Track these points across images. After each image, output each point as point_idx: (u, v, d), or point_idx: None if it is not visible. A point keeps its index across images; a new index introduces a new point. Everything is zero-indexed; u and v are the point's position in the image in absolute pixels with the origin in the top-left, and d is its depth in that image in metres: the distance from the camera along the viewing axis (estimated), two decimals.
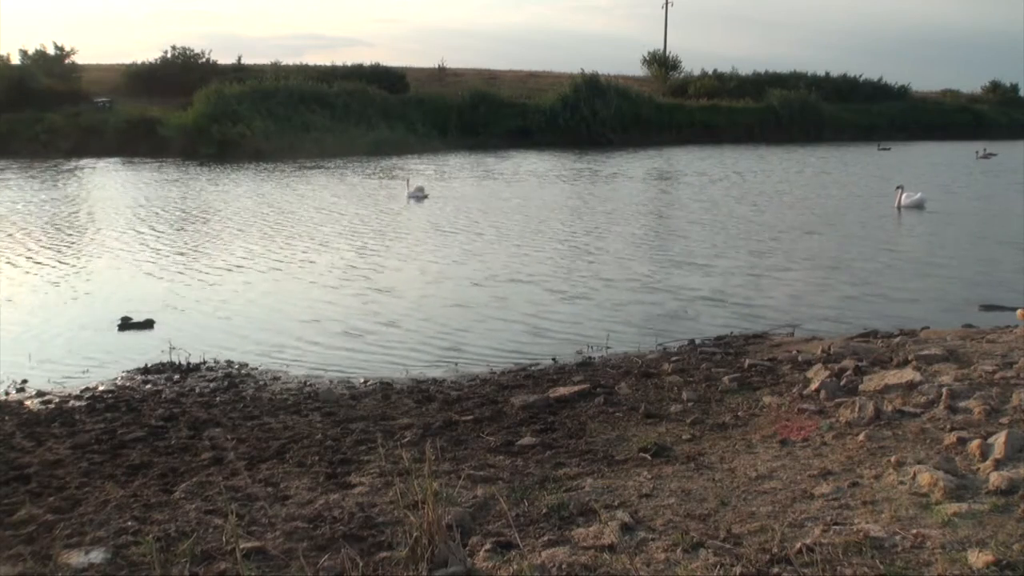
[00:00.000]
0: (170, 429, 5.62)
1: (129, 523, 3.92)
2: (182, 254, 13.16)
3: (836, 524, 3.44)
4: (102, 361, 7.67)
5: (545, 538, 3.50)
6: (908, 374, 5.48)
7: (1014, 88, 61.85)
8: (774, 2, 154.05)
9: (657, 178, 26.12)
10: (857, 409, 4.94)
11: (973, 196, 20.96)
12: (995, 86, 61.71)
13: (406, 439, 5.22)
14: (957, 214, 17.25)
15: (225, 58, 47.54)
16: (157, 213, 17.92)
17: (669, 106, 47.36)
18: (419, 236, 14.80)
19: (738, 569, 3.06)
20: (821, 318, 8.99)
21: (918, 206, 17.52)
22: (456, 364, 7.52)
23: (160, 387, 6.86)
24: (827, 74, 55.93)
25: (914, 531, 3.29)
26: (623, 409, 5.71)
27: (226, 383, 6.92)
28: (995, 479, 3.69)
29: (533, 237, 14.56)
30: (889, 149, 39.67)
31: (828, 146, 42.24)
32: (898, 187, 18.18)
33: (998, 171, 28.51)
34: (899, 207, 17.44)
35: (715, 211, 18.00)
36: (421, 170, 28.05)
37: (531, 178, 25.72)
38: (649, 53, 59.31)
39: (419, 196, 19.97)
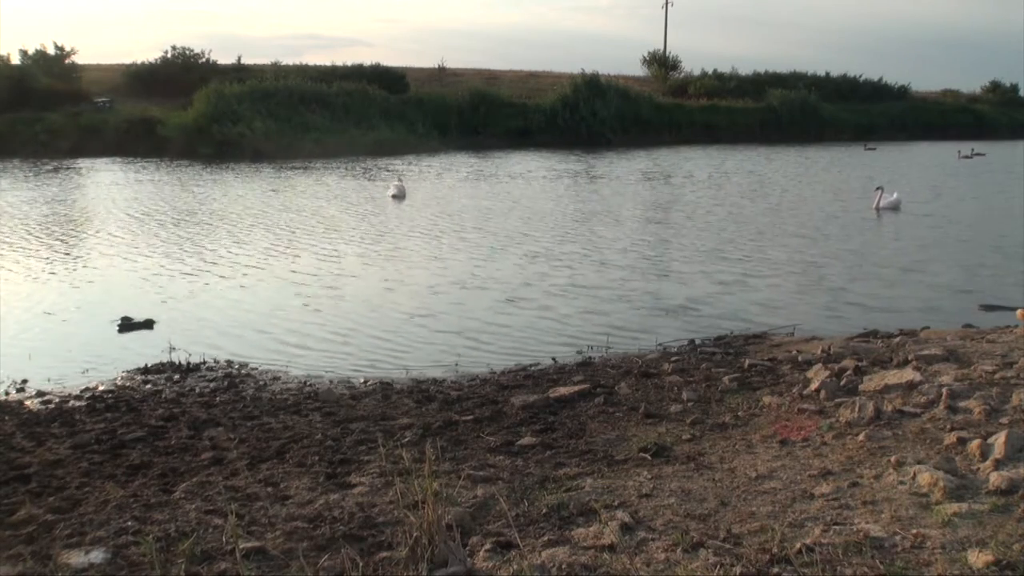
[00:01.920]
0: (170, 429, 5.62)
1: (129, 523, 3.92)
2: (182, 254, 13.15)
3: (836, 524, 3.44)
4: (102, 361, 7.66)
5: (545, 538, 3.50)
6: (908, 374, 5.48)
7: (1014, 88, 61.84)
8: (774, 2, 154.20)
9: (645, 179, 26.08)
10: (857, 409, 4.94)
11: (957, 197, 20.89)
12: (995, 86, 61.69)
13: (406, 439, 5.22)
14: (938, 215, 17.20)
15: (225, 58, 47.59)
16: (157, 213, 17.92)
17: (669, 106, 47.36)
18: (413, 237, 14.80)
19: (738, 569, 3.06)
20: (821, 318, 8.99)
21: (894, 208, 17.43)
22: (456, 364, 7.52)
23: (160, 387, 6.86)
24: (827, 74, 56.00)
25: (914, 531, 3.29)
26: (623, 409, 5.71)
27: (226, 383, 6.92)
28: (995, 479, 3.69)
29: (529, 237, 14.56)
30: (875, 149, 39.67)
31: (818, 146, 42.07)
32: (878, 188, 18.00)
33: (983, 171, 28.45)
34: (878, 208, 17.33)
35: (710, 212, 18.01)
36: (413, 170, 28.05)
37: (525, 179, 25.72)
38: (649, 53, 59.44)
39: (398, 196, 20.21)
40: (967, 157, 34.18)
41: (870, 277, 11.15)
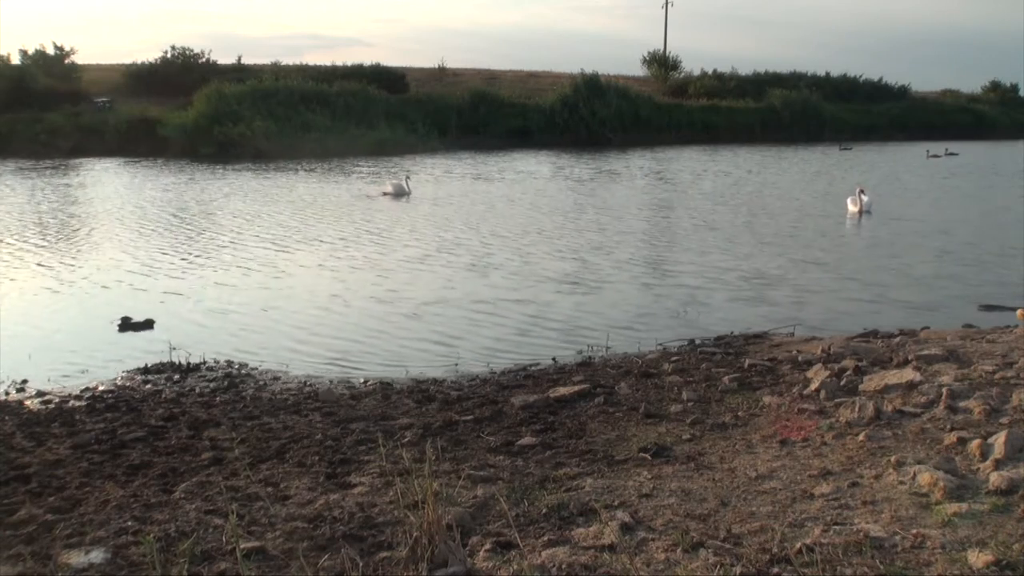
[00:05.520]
0: (170, 429, 5.62)
1: (129, 523, 3.92)
2: (182, 254, 13.16)
3: (836, 524, 3.44)
4: (102, 361, 7.67)
5: (545, 538, 3.50)
6: (908, 374, 5.48)
7: (1014, 88, 61.79)
8: (774, 2, 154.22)
9: (646, 178, 26.10)
10: (857, 409, 4.94)
11: (932, 198, 20.83)
12: (995, 86, 61.65)
13: (406, 439, 5.22)
14: (911, 217, 17.13)
15: (225, 58, 47.53)
16: (157, 213, 17.92)
17: (668, 106, 47.33)
18: (414, 236, 14.80)
19: (738, 569, 3.06)
20: (821, 318, 8.99)
21: (866, 210, 17.25)
22: (456, 364, 7.51)
23: (160, 387, 6.86)
24: (827, 74, 55.94)
25: (914, 531, 3.30)
26: (623, 409, 5.71)
27: (226, 383, 6.92)
28: (995, 479, 3.69)
29: (528, 236, 14.56)
30: (851, 149, 39.64)
31: (804, 147, 41.89)
32: (860, 190, 17.71)
33: (957, 171, 28.27)
34: (860, 211, 17.15)
35: (709, 213, 18.01)
36: (413, 170, 28.05)
37: (524, 179, 25.73)
38: (649, 53, 59.30)
39: (395, 193, 20.44)
40: (936, 156, 34.00)
41: (882, 275, 11.15)
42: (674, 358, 7.17)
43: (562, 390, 6.20)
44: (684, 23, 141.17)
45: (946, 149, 36.14)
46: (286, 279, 11.35)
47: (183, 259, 12.74)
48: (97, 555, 3.58)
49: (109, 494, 4.38)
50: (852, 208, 17.25)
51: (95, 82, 42.63)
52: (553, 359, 7.55)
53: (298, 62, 48.85)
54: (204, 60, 45.76)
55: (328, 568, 3.36)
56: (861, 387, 5.50)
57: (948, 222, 16.40)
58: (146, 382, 7.02)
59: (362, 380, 7.00)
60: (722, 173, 27.41)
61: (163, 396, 6.56)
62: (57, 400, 6.48)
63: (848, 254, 12.99)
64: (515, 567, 3.22)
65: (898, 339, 7.13)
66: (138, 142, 34.82)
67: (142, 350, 7.98)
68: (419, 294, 10.36)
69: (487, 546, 3.44)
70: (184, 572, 3.34)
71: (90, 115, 37.51)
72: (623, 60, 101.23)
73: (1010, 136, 51.71)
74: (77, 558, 3.56)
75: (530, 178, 25.77)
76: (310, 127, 35.84)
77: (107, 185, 24.36)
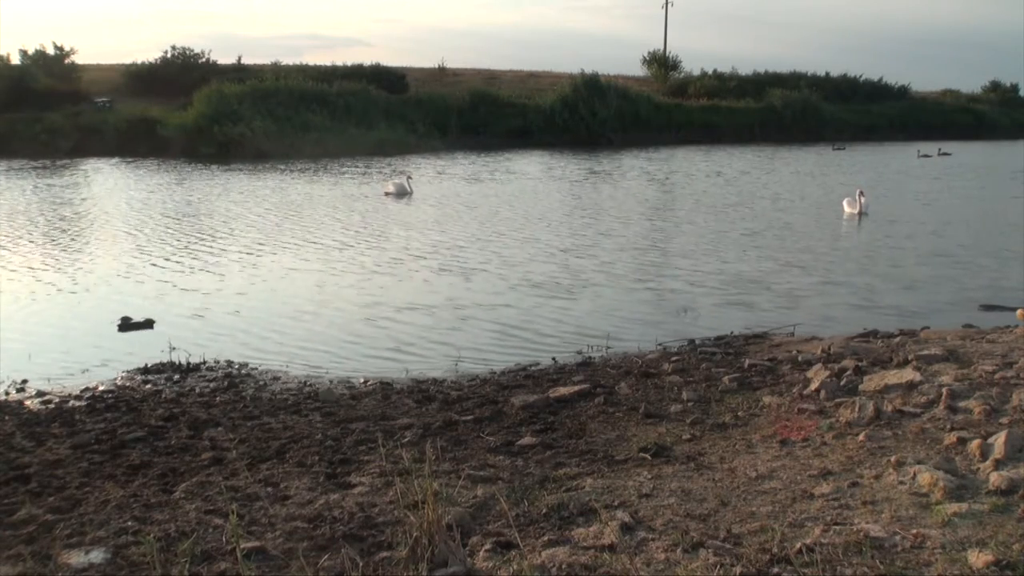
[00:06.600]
0: (170, 429, 5.62)
1: (129, 523, 3.93)
2: (182, 254, 13.15)
3: (836, 524, 3.44)
4: (102, 361, 7.67)
5: (545, 538, 3.51)
6: (908, 374, 5.48)
7: (1014, 88, 61.73)
8: (774, 2, 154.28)
9: (645, 178, 26.11)
10: (857, 409, 4.94)
11: (927, 199, 20.80)
12: (995, 86, 61.59)
13: (406, 439, 5.22)
14: (908, 218, 17.13)
15: (225, 58, 47.50)
16: (157, 213, 17.91)
17: (668, 106, 47.29)
18: (415, 236, 14.80)
19: (738, 569, 3.06)
20: (821, 318, 8.99)
21: (864, 212, 17.17)
22: (456, 364, 7.52)
23: (160, 387, 6.86)
24: (827, 74, 55.87)
25: (914, 531, 3.30)
26: (623, 409, 5.71)
27: (226, 383, 6.92)
28: (995, 479, 3.69)
29: (528, 236, 14.56)
30: (844, 149, 39.63)
31: (800, 147, 41.80)
32: (859, 191, 17.46)
33: (952, 172, 28.17)
34: (859, 212, 17.08)
35: (709, 213, 18.01)
36: (414, 170, 28.06)
37: (524, 178, 25.74)
38: (649, 53, 59.24)
39: (396, 192, 20.64)
40: (927, 156, 33.93)
41: (868, 278, 11.15)
42: (674, 358, 7.18)
43: (562, 390, 6.20)
44: (684, 23, 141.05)
45: (939, 149, 36.08)
46: (287, 279, 11.35)
47: (183, 259, 12.73)
48: (97, 555, 3.58)
49: (109, 494, 4.38)
50: (849, 209, 17.19)
51: (95, 82, 42.60)
52: (553, 359, 7.55)
53: (298, 62, 48.91)
54: (204, 60, 45.74)
55: (328, 568, 3.36)
56: (861, 387, 5.50)
57: (944, 223, 16.38)
58: (146, 382, 7.02)
59: (362, 380, 7.01)
60: (714, 173, 27.42)
61: (163, 396, 6.56)
62: (57, 400, 6.48)
63: (848, 255, 12.98)
64: (515, 567, 3.22)
65: (898, 339, 7.13)
66: (138, 142, 34.79)
67: (142, 350, 7.97)
68: (420, 294, 10.36)
69: (487, 546, 3.44)
70: (184, 572, 3.34)
71: (90, 115, 37.48)
72: (623, 60, 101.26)
73: (1010, 136, 51.71)
74: (77, 558, 3.56)
75: (529, 179, 25.77)
76: (310, 127, 35.81)
77: (107, 185, 24.35)
